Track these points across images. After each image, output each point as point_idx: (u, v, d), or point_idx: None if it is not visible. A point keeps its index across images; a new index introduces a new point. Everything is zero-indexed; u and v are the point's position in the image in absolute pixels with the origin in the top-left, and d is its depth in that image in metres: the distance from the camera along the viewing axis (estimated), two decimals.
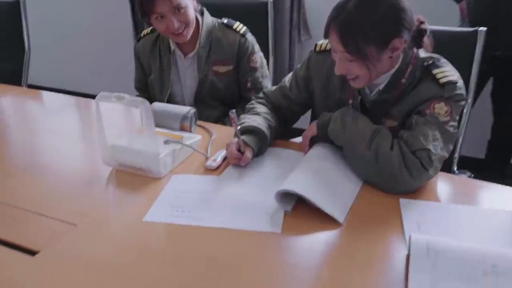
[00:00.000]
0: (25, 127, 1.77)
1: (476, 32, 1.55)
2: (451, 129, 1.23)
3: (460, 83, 1.26)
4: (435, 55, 1.29)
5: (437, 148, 1.19)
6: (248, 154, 1.34)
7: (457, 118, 1.26)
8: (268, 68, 1.93)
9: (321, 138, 1.35)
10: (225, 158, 1.41)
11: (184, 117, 1.55)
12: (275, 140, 1.49)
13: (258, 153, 1.40)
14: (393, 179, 1.19)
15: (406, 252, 1.01)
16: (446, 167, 1.26)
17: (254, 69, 1.81)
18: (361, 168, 1.26)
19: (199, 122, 1.64)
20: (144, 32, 1.88)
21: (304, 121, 1.62)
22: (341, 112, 1.30)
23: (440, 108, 1.22)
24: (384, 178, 1.21)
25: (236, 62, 1.80)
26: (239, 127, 1.37)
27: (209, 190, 1.26)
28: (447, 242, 0.97)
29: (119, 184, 1.32)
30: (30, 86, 2.28)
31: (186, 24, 1.69)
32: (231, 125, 1.38)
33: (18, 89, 2.14)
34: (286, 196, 1.17)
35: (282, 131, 1.53)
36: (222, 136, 1.53)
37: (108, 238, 1.09)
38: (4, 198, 1.23)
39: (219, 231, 1.10)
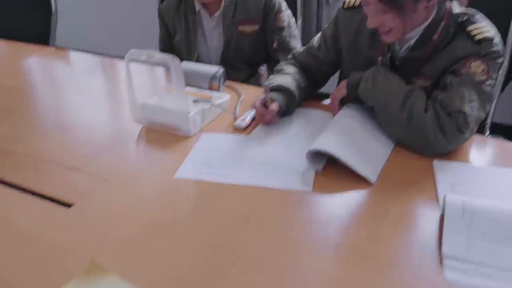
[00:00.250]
0: (54, 86, 1.79)
1: None
2: (488, 89, 1.19)
3: (497, 39, 1.21)
4: (470, 10, 1.24)
5: (473, 109, 1.16)
6: (274, 107, 1.32)
7: (495, 76, 1.21)
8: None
9: (350, 98, 1.33)
10: (253, 119, 1.41)
11: (213, 77, 1.54)
12: (304, 102, 1.47)
13: (286, 112, 1.39)
14: (427, 141, 1.17)
15: (439, 213, 1.00)
16: (478, 132, 1.23)
17: (281, 28, 1.78)
18: (393, 130, 1.23)
19: (228, 83, 1.63)
20: None
21: (332, 86, 1.59)
22: (373, 71, 1.27)
23: (477, 67, 1.18)
24: (418, 140, 1.18)
25: (262, 21, 1.76)
26: (267, 85, 1.36)
27: (238, 149, 1.26)
28: (482, 203, 0.96)
29: (149, 142, 1.33)
30: (57, 49, 2.29)
31: None
32: (259, 83, 1.37)
33: (46, 49, 2.15)
34: (316, 156, 1.16)
35: (311, 92, 1.51)
36: (251, 96, 1.51)
37: (139, 194, 1.10)
38: (40, 154, 1.25)
39: (249, 189, 1.10)
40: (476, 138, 1.26)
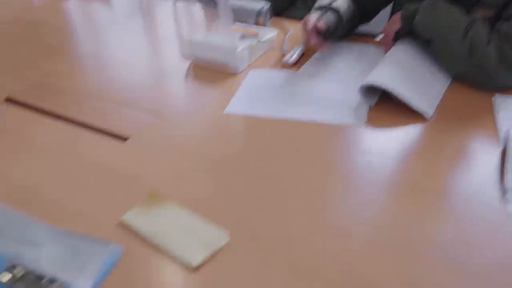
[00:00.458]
0: (98, 26, 1.79)
1: None
2: None
3: None
4: None
5: None
6: (320, 24, 1.29)
7: None
8: None
9: (405, 31, 1.27)
10: (302, 55, 1.38)
11: (259, 13, 1.50)
12: (354, 35, 1.42)
13: (333, 34, 1.34)
14: (488, 76, 1.12)
15: (501, 148, 0.97)
16: None
17: None
18: (452, 63, 1.18)
19: (274, 18, 1.59)
20: None
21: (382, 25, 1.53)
22: (430, 2, 1.21)
23: None
24: (478, 74, 1.13)
25: None
26: (315, 7, 1.32)
27: (288, 85, 1.24)
28: None
29: (197, 78, 1.32)
30: None
31: None
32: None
33: None
34: (369, 91, 1.13)
35: (359, 21, 1.45)
36: (298, 32, 1.47)
37: (191, 128, 1.10)
38: (91, 91, 1.27)
39: (301, 124, 1.09)
40: None
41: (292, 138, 1.04)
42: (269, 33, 1.43)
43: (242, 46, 1.31)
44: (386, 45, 1.32)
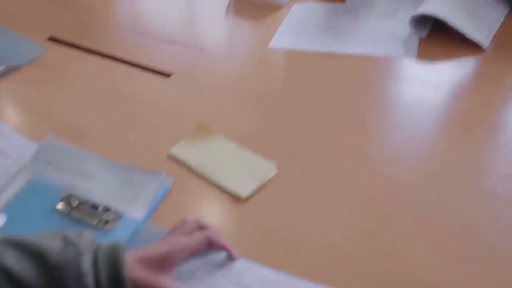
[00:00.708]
0: None
1: None
2: None
3: None
4: None
5: None
6: None
7: None
8: None
9: None
10: None
11: None
12: None
13: None
14: None
15: None
16: None
17: None
18: None
19: None
20: None
21: None
22: None
23: None
24: None
25: None
26: None
27: (334, 18, 1.19)
28: None
29: (239, 13, 1.28)
30: None
31: None
32: None
33: None
34: (420, 21, 1.07)
35: None
36: None
37: (235, 63, 1.08)
38: (135, 28, 1.25)
39: (348, 57, 1.05)
40: None
41: (339, 72, 1.01)
42: None
43: None
44: None
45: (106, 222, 0.70)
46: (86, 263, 0.55)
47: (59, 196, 0.73)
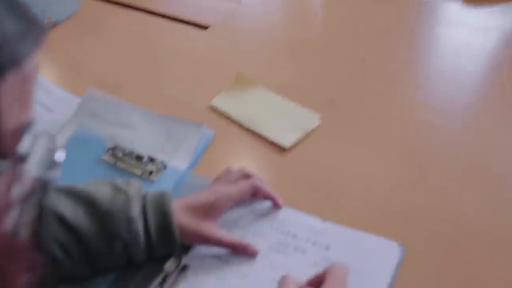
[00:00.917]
0: None
1: None
2: None
3: None
4: None
5: None
6: None
7: None
8: None
9: None
10: None
11: None
12: None
13: None
14: None
15: None
16: None
17: None
18: None
19: None
20: None
21: None
22: None
23: None
24: None
25: None
26: None
27: None
28: None
29: None
30: None
31: None
32: None
33: None
34: None
35: None
36: None
37: (273, 13, 1.06)
38: None
39: (390, 1, 1.01)
40: None
41: (381, 18, 0.97)
42: None
43: None
44: None
45: (151, 172, 0.71)
46: (136, 210, 0.56)
47: (104, 148, 0.74)
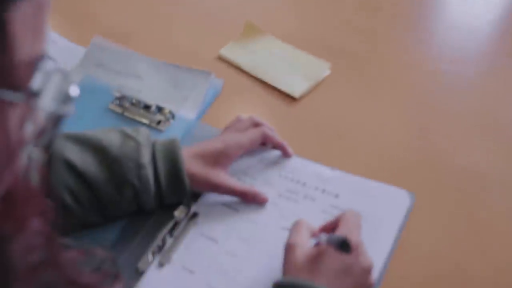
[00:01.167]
0: None
1: None
2: None
3: None
4: None
5: None
6: None
7: None
8: None
9: None
10: None
11: None
12: None
13: None
14: None
15: None
16: None
17: None
18: None
19: None
20: None
21: None
22: None
23: None
24: None
25: None
26: None
27: None
28: None
29: None
30: None
31: None
32: None
33: None
34: None
35: None
36: None
37: None
38: None
39: None
40: None
41: None
42: None
43: None
44: None
45: (159, 122, 0.70)
46: (146, 156, 0.56)
47: (111, 97, 0.73)
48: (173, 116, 0.71)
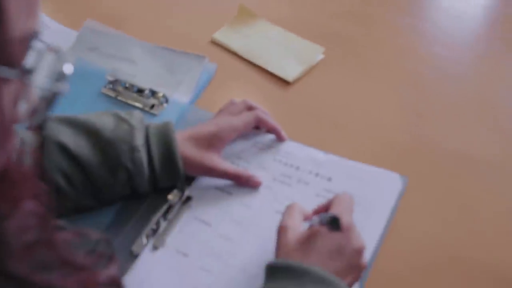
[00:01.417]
0: None
1: None
2: None
3: None
4: None
5: None
6: None
7: None
8: None
9: None
10: None
11: None
12: None
13: None
14: None
15: None
16: None
17: None
18: None
19: None
20: None
21: None
22: None
23: None
24: None
25: None
26: None
27: None
28: None
29: None
30: None
31: None
32: None
33: None
34: None
35: None
36: None
37: None
38: None
39: None
40: None
41: None
42: None
43: None
44: None
45: (152, 106, 0.70)
46: (139, 139, 0.56)
47: (104, 81, 0.73)
48: (166, 100, 0.70)
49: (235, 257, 0.55)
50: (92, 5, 0.91)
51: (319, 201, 0.54)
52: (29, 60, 0.28)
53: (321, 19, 0.81)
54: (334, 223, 0.46)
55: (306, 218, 0.52)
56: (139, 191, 0.58)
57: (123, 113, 0.58)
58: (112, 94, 0.72)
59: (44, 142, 0.55)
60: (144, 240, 0.56)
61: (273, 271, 0.46)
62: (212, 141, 0.59)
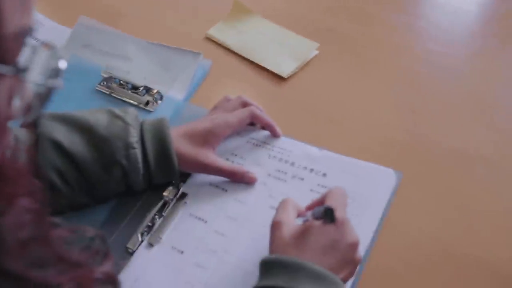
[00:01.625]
0: None
1: None
2: None
3: None
4: None
5: None
6: None
7: None
8: None
9: None
10: None
11: None
12: None
13: None
14: None
15: None
16: None
17: None
18: None
19: None
20: None
21: None
22: None
23: None
24: None
25: None
26: None
27: None
28: None
29: None
30: None
31: None
32: None
33: None
34: None
35: None
36: None
37: None
38: None
39: None
40: None
41: None
42: None
43: None
44: None
45: (147, 103, 0.70)
46: (134, 136, 0.56)
47: (98, 78, 0.73)
48: (161, 97, 0.70)
49: (230, 253, 0.55)
50: (86, 2, 0.90)
51: (314, 197, 0.54)
52: (24, 56, 0.28)
53: (316, 15, 0.81)
54: (328, 215, 0.46)
55: (300, 213, 0.52)
56: (134, 188, 0.58)
57: (117, 110, 0.58)
58: (106, 91, 0.72)
59: (38, 140, 0.54)
60: (139, 237, 0.56)
61: (268, 267, 0.46)
62: (207, 138, 0.59)
